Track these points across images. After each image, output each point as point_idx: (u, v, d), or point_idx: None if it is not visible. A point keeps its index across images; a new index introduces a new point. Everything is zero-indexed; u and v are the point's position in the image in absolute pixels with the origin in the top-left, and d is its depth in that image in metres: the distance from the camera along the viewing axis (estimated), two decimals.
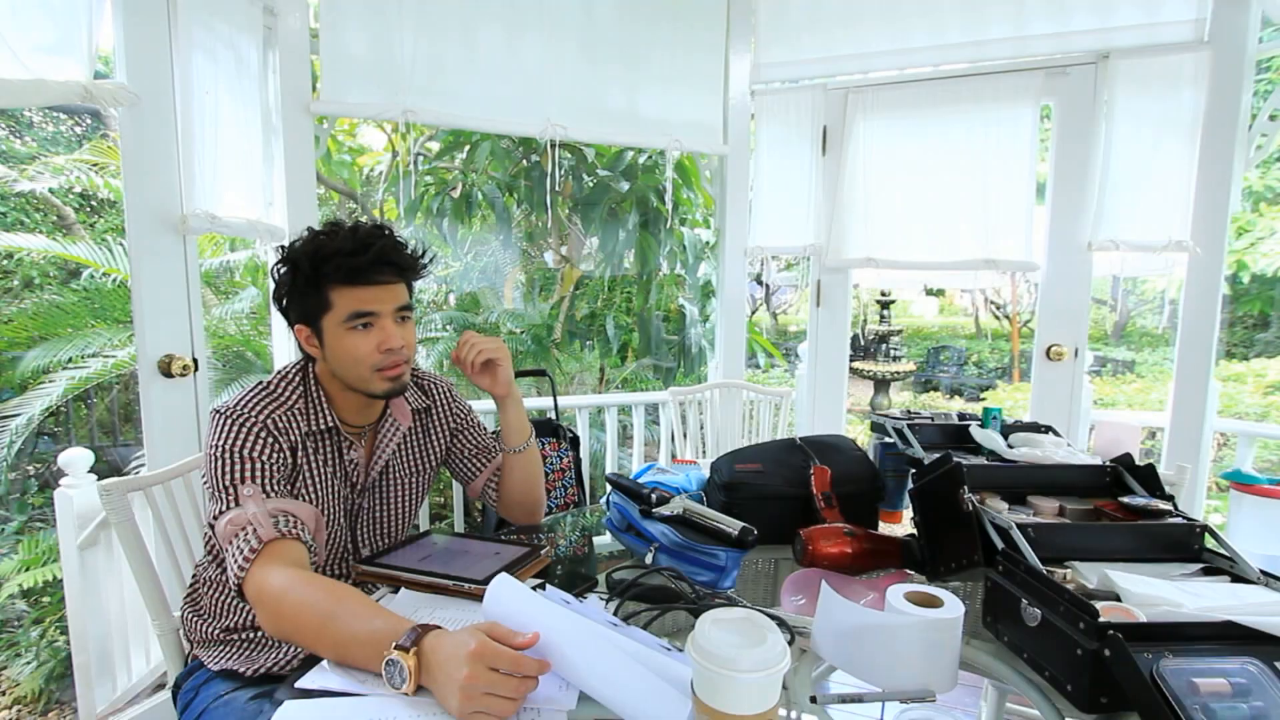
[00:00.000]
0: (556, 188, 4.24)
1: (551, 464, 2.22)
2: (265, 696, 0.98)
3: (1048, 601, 0.76)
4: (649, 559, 1.03)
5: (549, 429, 2.26)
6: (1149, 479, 1.02)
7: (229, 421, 0.99)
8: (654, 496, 1.11)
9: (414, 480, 1.22)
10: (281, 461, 1.00)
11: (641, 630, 0.80)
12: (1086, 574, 0.85)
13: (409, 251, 1.08)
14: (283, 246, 1.07)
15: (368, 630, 0.75)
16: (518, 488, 1.26)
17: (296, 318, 1.07)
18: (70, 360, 3.35)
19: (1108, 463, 1.09)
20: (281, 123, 2.01)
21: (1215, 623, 0.71)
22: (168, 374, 1.67)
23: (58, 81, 1.29)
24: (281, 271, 1.06)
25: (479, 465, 1.29)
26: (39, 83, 1.26)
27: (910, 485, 1.12)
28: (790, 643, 0.65)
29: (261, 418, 1.00)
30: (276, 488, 0.98)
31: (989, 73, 2.44)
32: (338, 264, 1.00)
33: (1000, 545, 0.89)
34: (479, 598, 0.79)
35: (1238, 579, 0.84)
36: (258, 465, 0.97)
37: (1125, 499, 0.98)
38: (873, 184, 2.61)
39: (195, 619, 1.12)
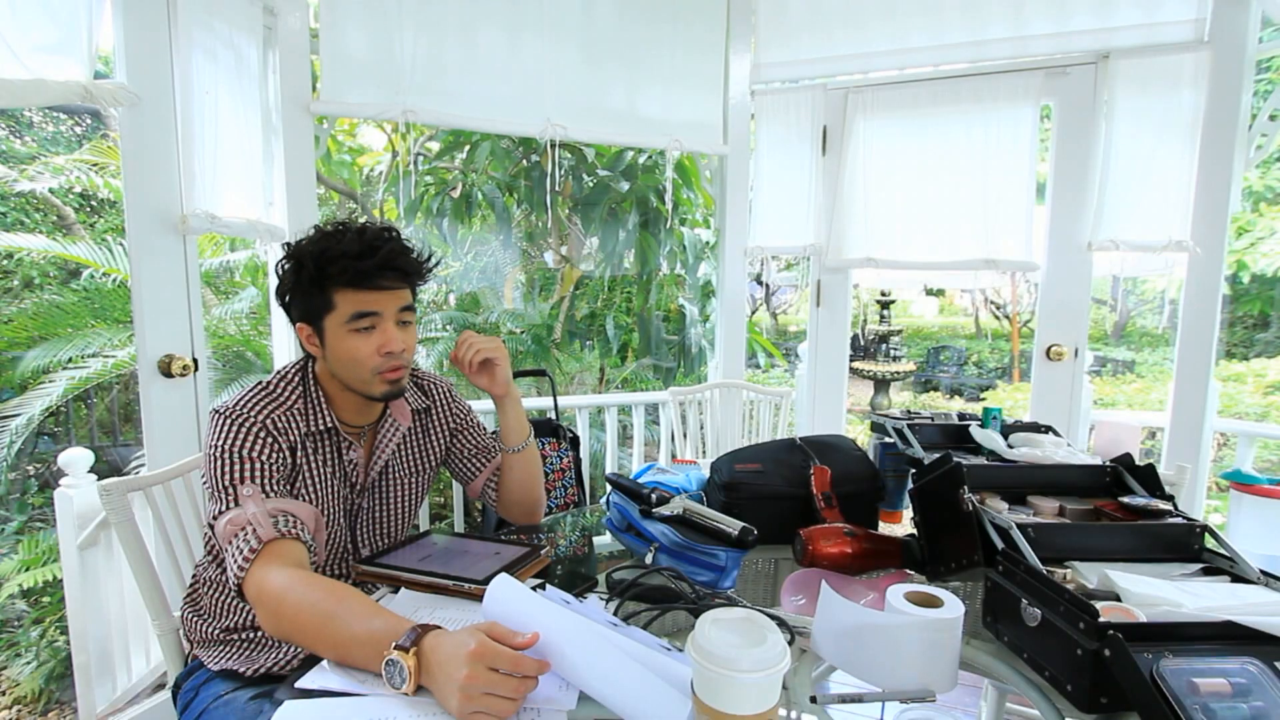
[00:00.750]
0: (556, 188, 4.24)
1: (551, 464, 2.22)
2: (265, 696, 0.98)
3: (1048, 601, 0.76)
4: (649, 559, 1.03)
5: (549, 429, 2.26)
6: (1149, 479, 1.02)
7: (228, 421, 0.99)
8: (654, 496, 1.11)
9: (414, 480, 1.22)
10: (281, 462, 1.00)
11: (641, 630, 0.80)
12: (1086, 574, 0.85)
13: (415, 255, 1.08)
14: (288, 244, 1.06)
15: (367, 630, 0.75)
16: (517, 487, 1.26)
17: (299, 316, 1.07)
18: (70, 360, 3.35)
19: (1108, 463, 1.09)
20: (281, 123, 2.01)
21: (1215, 623, 0.71)
22: (168, 374, 1.67)
23: (58, 81, 1.29)
24: (286, 269, 1.06)
25: (478, 465, 1.29)
26: (39, 83, 1.26)
27: (910, 485, 1.12)
28: (790, 643, 0.65)
29: (261, 418, 1.00)
30: (276, 488, 0.98)
31: (989, 73, 2.44)
32: (343, 266, 1.00)
33: (1000, 545, 0.89)
34: (479, 598, 0.79)
35: (1238, 579, 0.84)
36: (257, 465, 0.97)
37: (1125, 499, 0.98)
38: (873, 184, 2.61)
39: (195, 619, 1.12)
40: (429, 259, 1.11)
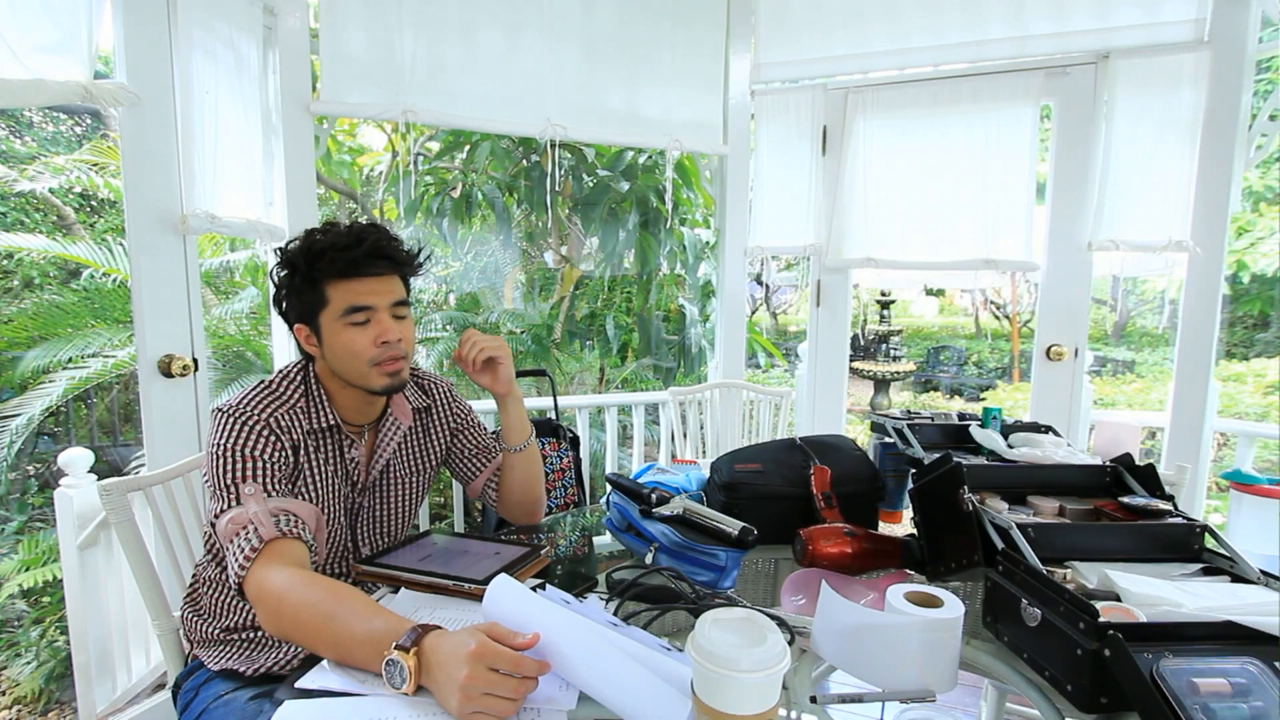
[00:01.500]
0: (556, 188, 4.24)
1: (551, 464, 2.22)
2: (265, 696, 0.98)
3: (1048, 601, 0.76)
4: (649, 559, 1.03)
5: (549, 429, 2.26)
6: (1149, 479, 1.02)
7: (231, 420, 0.99)
8: (654, 496, 1.11)
9: (414, 480, 1.22)
10: (283, 460, 1.00)
11: (641, 630, 0.80)
12: (1086, 574, 0.85)
13: (404, 248, 1.09)
14: (280, 249, 1.07)
15: (368, 630, 0.75)
16: (518, 487, 1.26)
17: (296, 317, 1.08)
18: (70, 360, 3.35)
19: (1108, 463, 1.09)
20: (281, 123, 2.01)
21: (1215, 623, 0.71)
22: (168, 374, 1.67)
23: (58, 81, 1.29)
24: (281, 275, 1.07)
25: (479, 465, 1.29)
26: (39, 83, 1.26)
27: (910, 485, 1.12)
28: (790, 643, 0.65)
29: (264, 416, 1.00)
30: (278, 487, 0.98)
31: (989, 73, 2.44)
32: (332, 258, 1.01)
33: (1000, 545, 0.89)
34: (479, 598, 0.79)
35: (1238, 579, 0.84)
36: (259, 464, 0.97)
37: (1125, 499, 0.98)
38: (873, 184, 2.61)
39: (195, 619, 1.12)
40: (419, 253, 1.11)
